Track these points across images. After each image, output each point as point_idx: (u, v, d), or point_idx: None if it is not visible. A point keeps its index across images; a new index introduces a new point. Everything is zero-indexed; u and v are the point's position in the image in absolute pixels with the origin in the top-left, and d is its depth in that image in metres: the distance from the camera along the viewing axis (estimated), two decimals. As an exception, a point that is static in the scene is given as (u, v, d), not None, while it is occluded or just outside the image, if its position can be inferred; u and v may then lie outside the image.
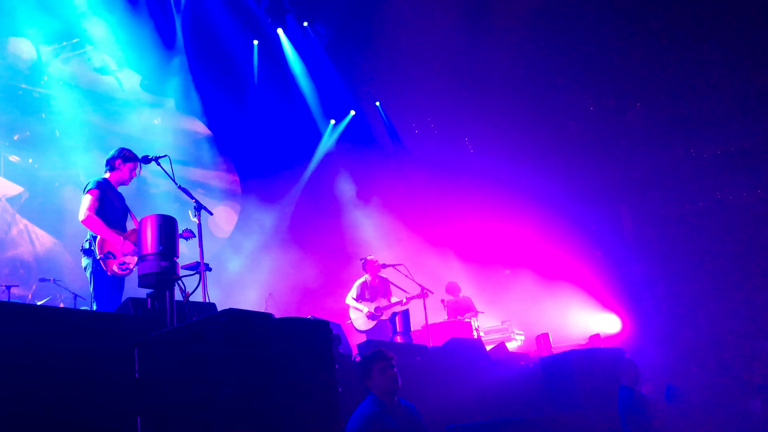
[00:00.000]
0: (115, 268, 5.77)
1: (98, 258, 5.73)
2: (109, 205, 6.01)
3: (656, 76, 13.97)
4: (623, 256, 14.44)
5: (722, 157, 14.58)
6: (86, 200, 5.86)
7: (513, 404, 6.68)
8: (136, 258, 5.92)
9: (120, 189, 6.27)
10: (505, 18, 13.59)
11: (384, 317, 9.64)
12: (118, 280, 5.91)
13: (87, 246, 5.88)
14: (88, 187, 5.93)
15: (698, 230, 14.16)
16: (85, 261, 5.91)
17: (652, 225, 14.95)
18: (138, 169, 6.29)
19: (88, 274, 5.88)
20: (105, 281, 5.79)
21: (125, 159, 6.20)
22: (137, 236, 4.68)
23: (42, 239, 10.24)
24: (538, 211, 14.11)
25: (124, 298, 6.12)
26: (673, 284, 13.92)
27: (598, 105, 15.52)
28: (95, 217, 5.82)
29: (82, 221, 5.81)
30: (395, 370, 4.71)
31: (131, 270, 5.85)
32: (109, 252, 5.77)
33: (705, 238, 13.97)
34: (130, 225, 6.13)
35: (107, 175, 6.17)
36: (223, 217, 12.91)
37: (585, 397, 6.23)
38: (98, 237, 5.77)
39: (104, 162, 6.24)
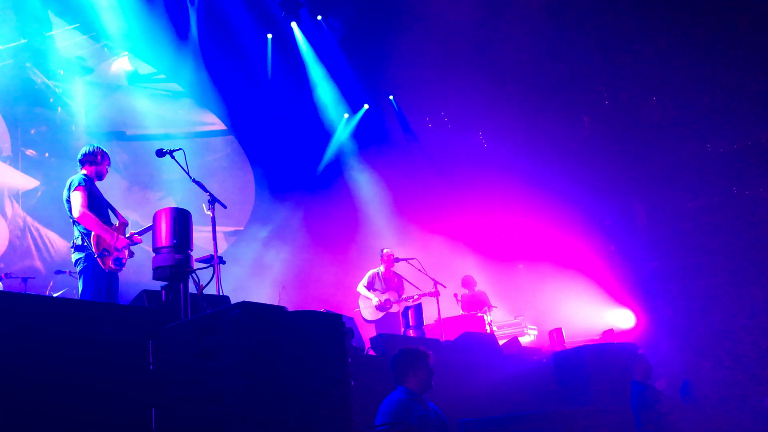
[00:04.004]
0: (111, 264, 5.83)
1: (95, 255, 5.77)
2: (97, 201, 6.09)
3: (672, 70, 13.84)
4: (638, 251, 14.36)
5: (738, 152, 14.45)
6: (78, 197, 5.91)
7: (525, 399, 6.68)
8: (127, 252, 6.02)
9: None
10: (519, 11, 13.51)
11: (392, 310, 9.67)
12: (114, 276, 5.95)
13: (80, 242, 5.91)
14: (75, 185, 5.99)
15: (713, 226, 14.05)
16: (77, 256, 5.92)
17: (667, 220, 14.85)
18: (109, 165, 6.47)
19: (79, 269, 5.89)
20: (102, 278, 5.82)
21: (103, 155, 6.35)
22: (152, 230, 4.72)
23: (55, 243, 10.30)
24: (552, 205, 14.04)
25: (121, 293, 6.29)
26: (688, 280, 13.83)
27: (614, 99, 15.41)
28: (90, 213, 5.88)
29: (78, 218, 5.86)
30: None
31: (124, 265, 5.96)
32: (105, 249, 5.81)
33: (720, 233, 13.85)
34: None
35: (85, 171, 6.24)
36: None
37: (598, 393, 6.22)
38: (92, 233, 5.82)
39: (79, 159, 6.32)
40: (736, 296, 12.97)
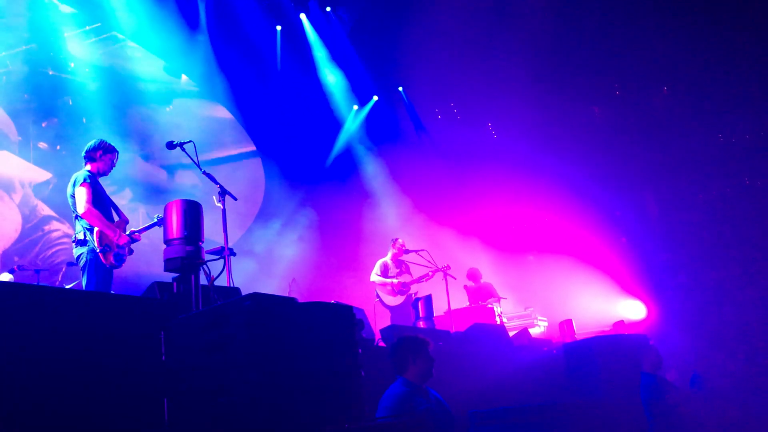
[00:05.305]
0: (111, 259, 5.94)
1: (97, 250, 5.86)
2: (101, 197, 6.18)
3: (683, 59, 13.73)
4: (648, 243, 14.30)
5: (750, 143, 14.34)
6: (83, 193, 5.97)
7: (535, 390, 6.67)
8: (127, 249, 6.13)
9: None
10: (529, 1, 13.44)
11: (410, 292, 9.81)
12: (112, 273, 6.06)
13: (82, 237, 5.99)
14: (80, 181, 6.05)
15: (725, 216, 13.97)
16: (79, 251, 6.01)
17: (678, 211, 14.77)
18: (116, 159, 6.46)
19: (82, 263, 5.99)
20: (103, 273, 5.93)
21: (105, 150, 6.34)
22: (163, 222, 4.74)
23: (66, 232, 10.37)
24: (563, 196, 14.00)
25: (119, 287, 6.39)
26: (699, 271, 13.76)
27: (624, 89, 15.32)
28: (94, 209, 5.97)
29: (82, 214, 5.94)
30: None
31: (125, 261, 6.08)
32: (107, 244, 5.91)
33: (732, 224, 13.78)
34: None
35: (89, 167, 6.28)
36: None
37: (608, 384, 6.19)
38: (96, 229, 5.90)
39: (83, 155, 6.35)
40: (748, 287, 12.90)
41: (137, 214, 11.00)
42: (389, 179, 14.44)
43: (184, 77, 12.65)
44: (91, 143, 6.37)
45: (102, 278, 5.90)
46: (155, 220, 6.42)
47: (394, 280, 9.84)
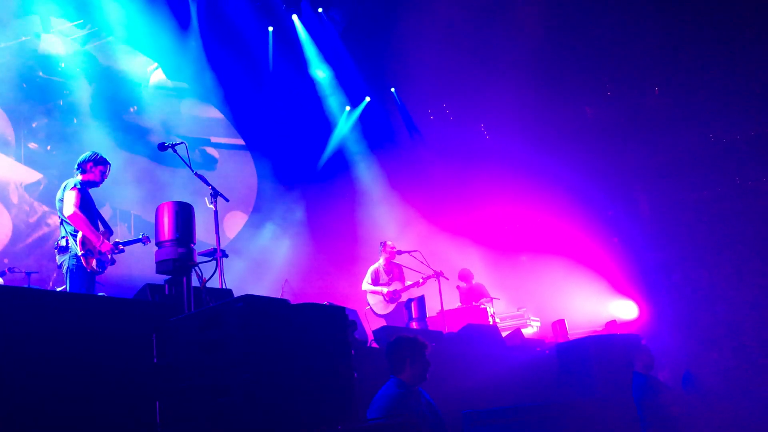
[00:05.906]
0: (94, 265, 6.02)
1: (79, 255, 5.95)
2: (88, 205, 6.28)
3: (674, 60, 13.78)
4: (640, 242, 14.34)
5: (742, 142, 14.41)
6: (72, 196, 6.09)
7: (529, 390, 6.68)
8: (110, 256, 6.23)
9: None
10: (520, 1, 13.47)
11: (402, 299, 9.70)
12: (94, 279, 6.12)
13: (64, 244, 6.10)
14: (70, 186, 6.19)
15: (717, 216, 14.02)
16: (61, 258, 6.13)
17: (670, 211, 14.82)
18: (107, 171, 6.56)
19: (64, 270, 6.09)
20: (85, 278, 6.01)
21: (96, 162, 6.46)
22: (155, 223, 4.73)
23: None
24: (555, 197, 14.02)
25: (110, 290, 6.47)
26: (691, 270, 13.81)
27: (616, 90, 15.36)
28: (81, 213, 6.07)
29: (69, 216, 6.04)
30: None
31: (106, 268, 6.20)
32: (89, 249, 5.99)
33: (723, 224, 13.83)
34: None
35: (80, 177, 6.37)
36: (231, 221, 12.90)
37: (601, 384, 6.21)
38: (79, 234, 6.01)
39: (76, 165, 6.46)
40: (739, 287, 12.95)
41: (127, 215, 10.97)
42: (382, 180, 14.43)
43: (176, 78, 12.61)
44: (84, 155, 6.49)
45: (85, 283, 5.98)
46: (140, 236, 6.75)
47: (384, 290, 9.74)
